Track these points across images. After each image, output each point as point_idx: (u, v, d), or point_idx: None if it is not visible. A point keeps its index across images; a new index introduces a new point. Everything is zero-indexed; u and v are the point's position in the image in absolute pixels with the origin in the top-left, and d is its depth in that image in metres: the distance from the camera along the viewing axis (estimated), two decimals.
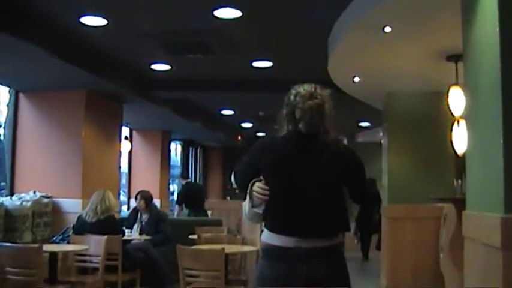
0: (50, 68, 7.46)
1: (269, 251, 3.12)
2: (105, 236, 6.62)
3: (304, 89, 3.16)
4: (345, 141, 15.91)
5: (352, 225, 12.07)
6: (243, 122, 15.06)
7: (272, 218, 3.16)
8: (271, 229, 3.12)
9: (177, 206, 12.00)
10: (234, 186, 3.47)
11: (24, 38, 6.25)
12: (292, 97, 3.17)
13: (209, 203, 12.50)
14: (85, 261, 6.80)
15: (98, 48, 7.62)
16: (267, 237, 3.13)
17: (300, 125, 3.12)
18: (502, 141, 3.16)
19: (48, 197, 8.37)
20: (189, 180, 12.82)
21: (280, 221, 3.11)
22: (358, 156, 3.26)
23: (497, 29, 3.24)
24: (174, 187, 17.35)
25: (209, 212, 12.13)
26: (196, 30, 6.78)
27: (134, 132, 13.87)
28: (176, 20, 6.50)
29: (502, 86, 3.20)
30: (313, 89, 3.15)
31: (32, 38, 6.38)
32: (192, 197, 11.86)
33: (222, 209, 13.94)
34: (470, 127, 4.05)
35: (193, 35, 6.90)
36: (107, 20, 6.34)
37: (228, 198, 16.95)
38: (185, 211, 11.70)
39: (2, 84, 8.77)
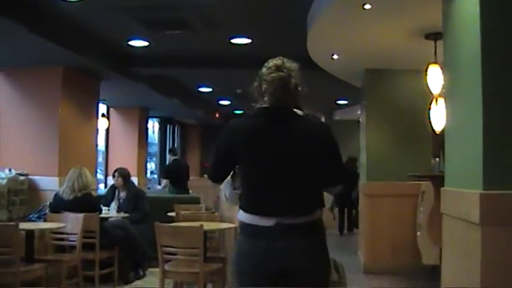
0: (26, 44, 7.32)
1: (248, 229, 3.07)
2: (83, 214, 6.57)
3: (273, 61, 3.10)
4: (323, 119, 15.95)
5: (330, 201, 12.17)
6: (221, 99, 14.99)
7: (249, 200, 3.10)
8: (250, 211, 3.06)
9: (164, 180, 12.16)
10: (208, 176, 3.39)
11: None
12: (262, 69, 3.11)
13: None
14: (62, 239, 6.74)
15: (75, 23, 7.49)
16: (246, 217, 3.07)
17: (265, 98, 3.05)
18: (481, 118, 3.18)
19: (24, 175, 8.26)
20: (177, 157, 12.85)
21: (258, 202, 3.06)
22: (333, 133, 3.15)
23: (478, 6, 3.24)
24: (152, 165, 17.30)
25: (190, 191, 12.18)
26: (174, 6, 6.68)
27: (111, 110, 13.74)
28: None
29: (482, 62, 3.21)
30: (280, 62, 3.08)
31: (6, 12, 6.25)
32: (176, 174, 12.03)
33: (199, 186, 13.90)
34: (450, 104, 4.06)
35: (172, 10, 6.81)
36: None
37: (206, 176, 16.92)
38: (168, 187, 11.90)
39: None
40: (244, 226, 3.10)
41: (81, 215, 6.54)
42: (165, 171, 12.89)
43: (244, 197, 3.13)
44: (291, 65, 3.09)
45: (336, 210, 12.94)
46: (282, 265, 2.96)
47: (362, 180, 8.92)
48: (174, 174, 12.08)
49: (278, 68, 3.05)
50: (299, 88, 3.09)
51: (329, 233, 3.33)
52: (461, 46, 3.68)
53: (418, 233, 7.66)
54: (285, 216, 2.97)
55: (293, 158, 3.02)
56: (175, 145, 18.20)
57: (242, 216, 3.09)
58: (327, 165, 3.10)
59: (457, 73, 3.80)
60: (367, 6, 5.43)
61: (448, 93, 4.14)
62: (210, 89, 12.94)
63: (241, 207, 3.12)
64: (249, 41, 8.29)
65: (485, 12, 3.22)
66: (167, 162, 12.96)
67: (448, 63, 4.09)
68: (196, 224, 5.74)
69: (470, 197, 3.29)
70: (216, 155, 3.22)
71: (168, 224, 5.86)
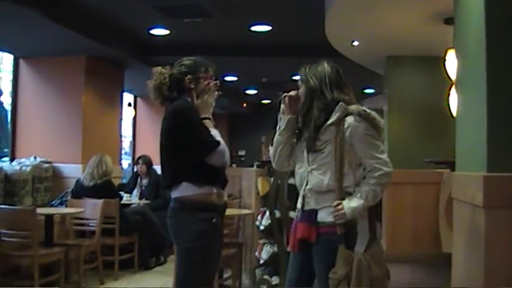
0: (49, 34, 7.42)
1: None
2: (102, 200, 6.66)
3: None
4: None
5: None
6: (247, 88, 14.94)
7: None
8: None
9: None
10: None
11: (22, 3, 6.19)
12: None
13: None
14: (83, 225, 6.87)
15: (96, 13, 7.54)
16: None
17: None
18: (486, 102, 3.16)
19: (48, 162, 8.38)
20: None
21: None
22: (173, 111, 3.55)
23: None
24: None
25: None
26: None
27: (138, 99, 13.84)
28: None
29: (486, 49, 3.19)
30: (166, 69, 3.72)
31: (30, 3, 6.32)
32: None
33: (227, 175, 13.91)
34: (459, 90, 4.03)
35: None
36: None
37: (234, 165, 16.94)
38: None
39: (2, 51, 8.77)
40: None
41: (100, 201, 6.65)
42: None
43: None
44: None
45: None
46: None
47: None
48: None
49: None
50: (190, 77, 3.63)
51: None
52: (469, 32, 3.65)
53: (440, 222, 7.58)
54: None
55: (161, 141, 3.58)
56: None
57: None
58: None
59: (465, 58, 3.78)
60: None
61: (458, 79, 4.10)
62: (235, 78, 12.90)
63: None
64: (269, 28, 8.22)
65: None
66: None
67: (457, 48, 4.06)
68: None
69: (475, 179, 3.27)
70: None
71: None
